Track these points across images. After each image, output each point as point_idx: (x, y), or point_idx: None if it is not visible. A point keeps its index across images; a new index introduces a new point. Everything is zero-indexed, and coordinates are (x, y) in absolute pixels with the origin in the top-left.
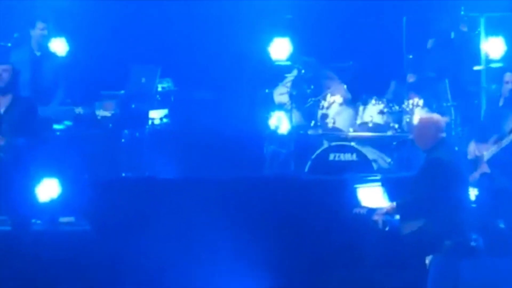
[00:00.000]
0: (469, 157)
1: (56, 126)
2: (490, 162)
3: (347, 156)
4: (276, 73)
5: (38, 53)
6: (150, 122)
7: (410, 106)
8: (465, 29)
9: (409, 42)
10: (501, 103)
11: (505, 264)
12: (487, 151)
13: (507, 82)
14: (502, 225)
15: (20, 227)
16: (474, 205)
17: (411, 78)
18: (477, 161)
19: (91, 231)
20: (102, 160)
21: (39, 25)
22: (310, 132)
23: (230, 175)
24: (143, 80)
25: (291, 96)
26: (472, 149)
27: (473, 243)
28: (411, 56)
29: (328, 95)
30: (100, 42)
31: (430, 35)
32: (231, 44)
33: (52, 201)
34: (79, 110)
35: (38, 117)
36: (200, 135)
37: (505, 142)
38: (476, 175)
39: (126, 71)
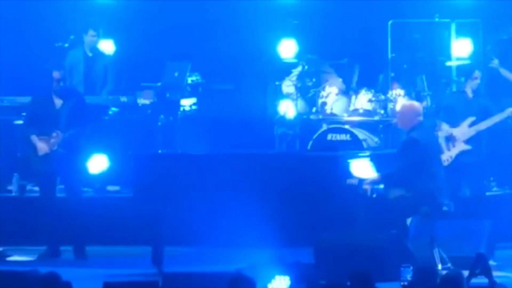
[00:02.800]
0: (442, 135)
1: (105, 112)
2: (470, 141)
3: (342, 136)
4: (284, 69)
5: (90, 54)
6: (181, 108)
7: (394, 95)
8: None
9: (394, 42)
10: (470, 95)
11: (469, 224)
12: (461, 133)
13: (476, 78)
14: (468, 193)
15: (72, 196)
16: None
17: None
18: (449, 139)
19: (133, 197)
20: (142, 140)
21: (91, 32)
22: (312, 117)
23: (247, 152)
24: (176, 74)
25: (296, 87)
26: (446, 129)
27: (445, 208)
28: (393, 55)
29: (327, 87)
30: (140, 43)
31: (411, 35)
32: (248, 44)
33: (102, 173)
34: (123, 98)
35: (86, 110)
36: (222, 119)
37: (483, 125)
38: (453, 152)
39: (162, 67)
